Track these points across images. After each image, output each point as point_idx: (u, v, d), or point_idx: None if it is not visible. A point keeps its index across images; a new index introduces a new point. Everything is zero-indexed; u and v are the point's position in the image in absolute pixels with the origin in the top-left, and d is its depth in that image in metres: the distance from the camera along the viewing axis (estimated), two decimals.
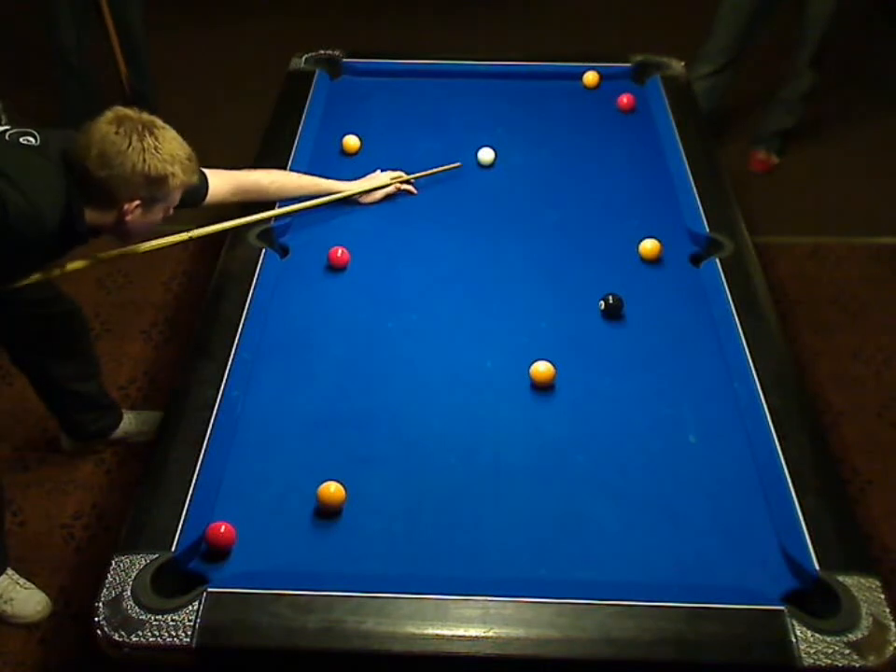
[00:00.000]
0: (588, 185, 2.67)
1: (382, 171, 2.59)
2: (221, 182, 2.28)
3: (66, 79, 3.80)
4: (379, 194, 2.58)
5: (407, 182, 2.61)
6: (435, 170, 2.65)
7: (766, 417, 1.91)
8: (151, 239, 2.17)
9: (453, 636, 1.54)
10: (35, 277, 2.02)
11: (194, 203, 2.18)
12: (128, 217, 1.92)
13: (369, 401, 2.01)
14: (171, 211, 2.01)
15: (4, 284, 1.98)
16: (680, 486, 1.83)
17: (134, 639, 1.52)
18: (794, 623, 1.54)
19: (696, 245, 2.42)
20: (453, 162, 2.70)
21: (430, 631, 1.54)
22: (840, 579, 1.61)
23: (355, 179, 2.59)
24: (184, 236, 2.24)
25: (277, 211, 2.44)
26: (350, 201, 2.55)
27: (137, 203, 1.90)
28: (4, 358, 3.00)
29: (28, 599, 2.33)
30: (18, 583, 2.34)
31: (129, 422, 2.74)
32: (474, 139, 2.78)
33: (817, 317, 3.25)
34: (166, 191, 1.92)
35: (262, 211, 2.41)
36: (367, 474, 1.84)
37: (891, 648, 1.52)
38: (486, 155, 2.72)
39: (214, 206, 2.30)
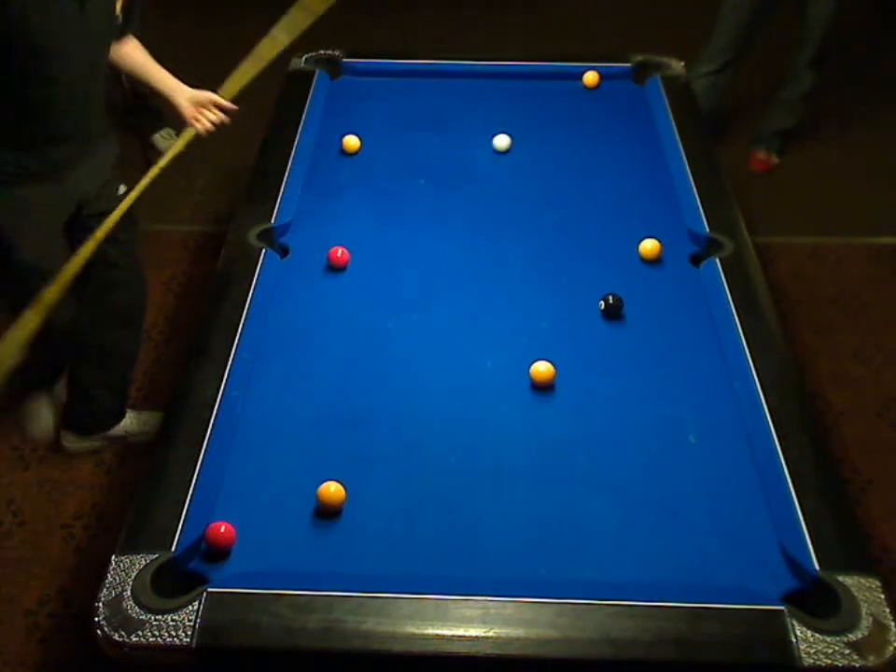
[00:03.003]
0: (588, 185, 2.67)
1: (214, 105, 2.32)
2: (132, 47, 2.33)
3: None
4: (206, 124, 2.32)
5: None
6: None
7: (766, 417, 1.91)
8: None
9: (453, 636, 1.54)
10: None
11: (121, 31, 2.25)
12: None
13: (369, 401, 2.01)
14: None
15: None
16: (680, 486, 1.83)
17: (134, 639, 1.52)
18: (794, 622, 1.54)
19: (696, 245, 2.42)
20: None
21: (430, 631, 1.54)
22: (840, 579, 1.61)
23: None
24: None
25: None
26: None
27: None
28: None
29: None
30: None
31: (130, 421, 2.74)
32: (474, 139, 2.78)
33: (817, 317, 3.25)
34: None
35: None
36: (367, 474, 1.84)
37: (891, 648, 1.52)
38: (501, 142, 2.73)
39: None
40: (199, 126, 2.29)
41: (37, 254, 2.21)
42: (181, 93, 2.34)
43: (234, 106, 2.31)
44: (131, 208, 2.07)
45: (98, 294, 2.44)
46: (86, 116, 2.19)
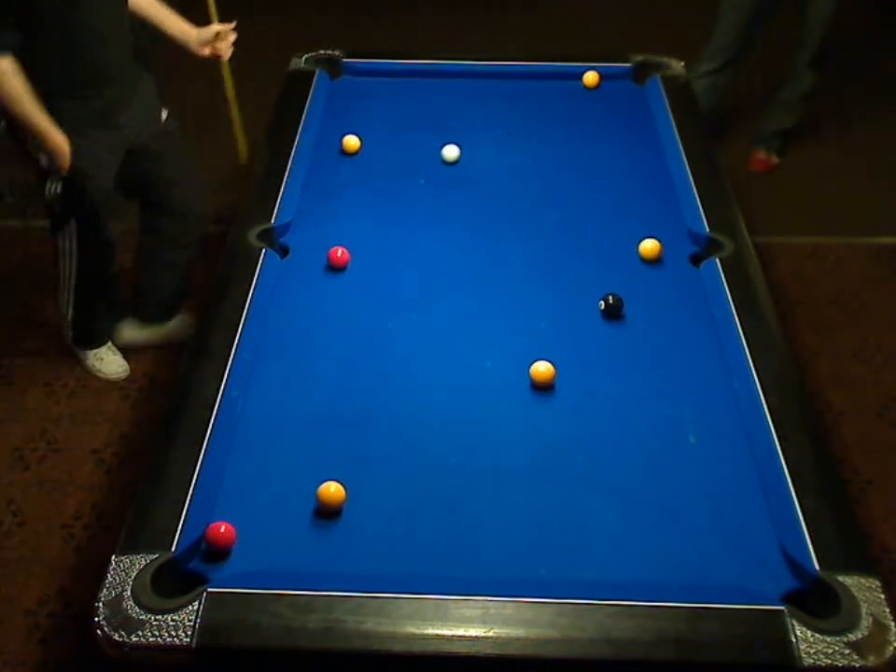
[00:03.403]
0: (588, 185, 2.67)
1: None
2: None
3: None
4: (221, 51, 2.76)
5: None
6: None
7: (766, 417, 1.91)
8: None
9: (453, 636, 1.54)
10: None
11: None
12: None
13: (369, 401, 2.01)
14: None
15: None
16: (680, 486, 1.83)
17: (134, 639, 1.52)
18: (794, 622, 1.54)
19: (696, 245, 2.42)
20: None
21: (430, 631, 1.54)
22: (840, 579, 1.61)
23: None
24: None
25: None
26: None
27: None
28: (3, 358, 3.00)
29: (114, 362, 2.97)
30: (111, 350, 2.99)
31: (183, 321, 3.09)
32: (474, 139, 2.78)
33: (817, 317, 3.25)
34: None
35: None
36: (367, 474, 1.84)
37: (891, 648, 1.52)
38: (451, 152, 2.72)
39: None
40: (225, 58, 2.77)
41: (106, 185, 2.63)
42: (193, 40, 2.72)
43: (233, 23, 2.76)
44: None
45: (162, 194, 2.80)
46: (123, 59, 2.55)
